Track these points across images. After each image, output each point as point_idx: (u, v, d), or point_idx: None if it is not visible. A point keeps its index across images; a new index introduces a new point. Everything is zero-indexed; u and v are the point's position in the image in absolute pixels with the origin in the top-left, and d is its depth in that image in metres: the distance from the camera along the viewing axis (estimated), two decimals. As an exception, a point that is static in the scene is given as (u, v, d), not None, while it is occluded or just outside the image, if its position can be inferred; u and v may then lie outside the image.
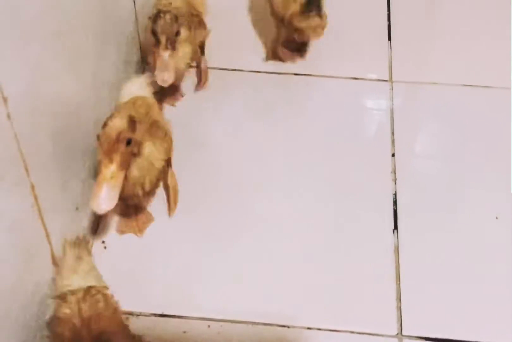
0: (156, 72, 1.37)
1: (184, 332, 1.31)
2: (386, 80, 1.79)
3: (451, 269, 1.41)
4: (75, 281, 1.16)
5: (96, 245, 1.42)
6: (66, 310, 1.07)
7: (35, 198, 1.11)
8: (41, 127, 1.12)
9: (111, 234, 1.45)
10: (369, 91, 1.78)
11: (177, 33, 1.40)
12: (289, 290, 1.37)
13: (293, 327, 1.33)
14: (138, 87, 1.42)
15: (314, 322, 1.33)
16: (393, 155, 1.62)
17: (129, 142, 1.16)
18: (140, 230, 1.45)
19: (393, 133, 1.66)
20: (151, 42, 1.42)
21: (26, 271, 1.12)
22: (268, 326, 1.33)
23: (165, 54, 1.38)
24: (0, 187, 0.99)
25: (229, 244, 1.44)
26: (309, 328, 1.33)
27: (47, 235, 1.18)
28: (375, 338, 1.31)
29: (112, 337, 1.06)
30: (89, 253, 1.26)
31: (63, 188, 1.27)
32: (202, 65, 1.73)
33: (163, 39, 1.37)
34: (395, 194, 1.53)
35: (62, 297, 1.11)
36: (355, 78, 1.79)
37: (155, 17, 1.39)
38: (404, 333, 1.32)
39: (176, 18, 1.40)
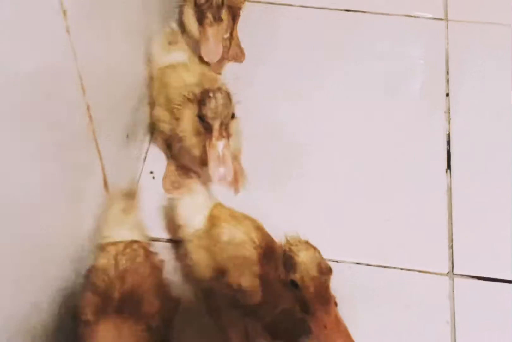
0: (211, 168, 1.12)
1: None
2: (442, 19, 1.73)
3: (503, 209, 1.38)
4: (119, 233, 1.14)
5: (144, 175, 1.42)
6: (103, 260, 1.06)
7: (90, 118, 1.09)
8: (98, 45, 1.09)
9: (159, 164, 1.43)
10: (423, 30, 1.72)
11: (233, 116, 1.15)
12: (339, 225, 1.35)
13: (342, 261, 1.31)
14: (202, 201, 1.19)
15: (363, 257, 1.32)
16: (447, 95, 1.57)
17: None
18: None
19: (447, 72, 1.61)
20: (195, 128, 1.19)
21: (79, 193, 1.11)
22: (317, 260, 1.31)
23: (221, 145, 1.12)
24: (57, 103, 0.97)
25: (283, 183, 1.41)
26: (357, 263, 1.31)
27: (101, 158, 1.16)
28: (425, 275, 1.29)
29: (144, 292, 1.03)
30: (136, 207, 1.22)
31: (115, 113, 1.25)
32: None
33: (216, 125, 1.12)
34: (448, 134, 1.49)
35: (102, 248, 1.10)
36: (409, 16, 1.74)
37: (203, 98, 1.13)
38: (455, 271, 1.29)
39: (229, 97, 1.15)
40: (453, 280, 1.28)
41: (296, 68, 1.62)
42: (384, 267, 1.31)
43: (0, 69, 0.78)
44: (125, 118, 1.31)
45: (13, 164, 0.85)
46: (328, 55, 1.65)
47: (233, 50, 1.61)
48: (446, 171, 1.43)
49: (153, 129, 1.44)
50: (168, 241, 1.32)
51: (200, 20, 1.36)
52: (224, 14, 1.40)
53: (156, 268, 1.11)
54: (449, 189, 1.40)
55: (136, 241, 1.11)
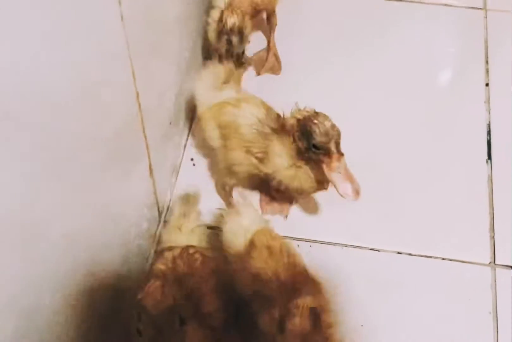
0: (340, 188, 1.09)
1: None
2: (480, 8, 1.71)
3: (545, 201, 1.37)
4: (177, 238, 1.14)
5: (185, 162, 1.43)
6: (161, 266, 1.04)
7: (139, 105, 1.10)
8: (149, 34, 1.10)
9: (199, 152, 1.44)
10: (462, 19, 1.71)
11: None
12: (381, 215, 1.35)
13: (384, 251, 1.31)
14: (246, 224, 1.15)
15: (405, 247, 1.32)
16: (487, 85, 1.56)
17: None
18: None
19: (487, 62, 1.60)
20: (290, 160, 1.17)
21: (125, 179, 1.12)
22: (358, 249, 1.31)
23: (343, 162, 1.11)
24: (108, 91, 0.97)
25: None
26: (399, 253, 1.31)
27: (147, 145, 1.17)
28: (467, 265, 1.29)
29: (203, 294, 1.02)
30: (197, 210, 1.22)
31: (161, 101, 1.25)
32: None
33: (333, 147, 1.10)
34: (489, 124, 1.49)
35: (160, 253, 1.11)
36: (447, 5, 1.72)
37: (307, 128, 1.10)
38: (497, 262, 1.29)
39: (327, 116, 1.13)
40: (495, 270, 1.28)
41: (332, 57, 1.61)
42: (426, 256, 1.31)
43: (54, 55, 0.78)
44: (169, 105, 1.31)
45: (65, 150, 0.86)
46: (366, 44, 1.64)
47: (270, 62, 1.56)
48: (487, 161, 1.42)
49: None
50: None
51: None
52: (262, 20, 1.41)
53: (215, 271, 1.08)
54: (490, 179, 1.40)
55: (191, 246, 1.10)
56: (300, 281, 1.05)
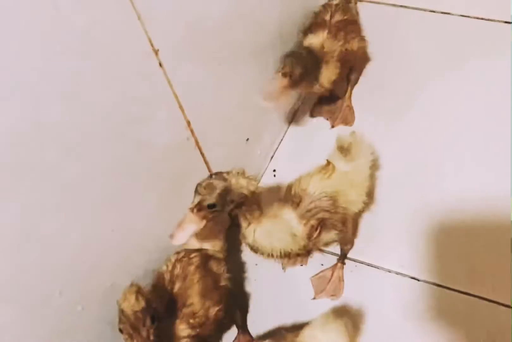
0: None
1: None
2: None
3: None
4: (192, 242, 1.21)
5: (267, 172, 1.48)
6: (163, 267, 1.14)
7: (191, 131, 1.13)
8: (194, 72, 1.09)
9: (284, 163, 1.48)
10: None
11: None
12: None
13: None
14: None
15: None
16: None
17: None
18: None
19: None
20: None
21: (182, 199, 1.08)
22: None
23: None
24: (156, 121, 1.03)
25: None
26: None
27: (207, 163, 1.22)
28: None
29: (189, 295, 1.11)
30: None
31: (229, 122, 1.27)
32: None
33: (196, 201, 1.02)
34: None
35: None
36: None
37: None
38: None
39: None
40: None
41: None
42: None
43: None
44: (244, 126, 1.35)
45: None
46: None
47: (344, 113, 1.53)
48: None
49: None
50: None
51: None
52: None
53: (209, 275, 1.16)
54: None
55: (199, 249, 1.18)
56: None
